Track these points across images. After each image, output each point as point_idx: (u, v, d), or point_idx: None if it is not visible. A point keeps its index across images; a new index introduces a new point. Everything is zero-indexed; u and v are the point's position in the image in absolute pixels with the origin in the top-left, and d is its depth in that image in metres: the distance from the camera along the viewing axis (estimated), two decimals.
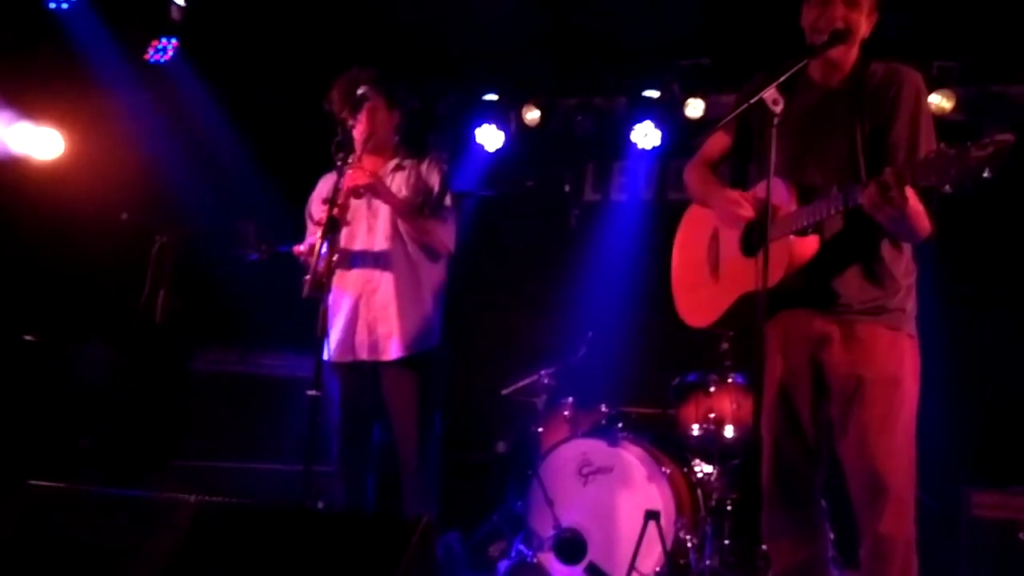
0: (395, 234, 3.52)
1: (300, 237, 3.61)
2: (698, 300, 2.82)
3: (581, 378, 4.77)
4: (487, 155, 5.96)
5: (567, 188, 5.30)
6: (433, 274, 3.62)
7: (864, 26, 2.60)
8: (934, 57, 5.12)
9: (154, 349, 4.04)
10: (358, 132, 3.51)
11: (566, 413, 4.63)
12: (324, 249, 3.03)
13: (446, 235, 3.59)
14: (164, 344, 4.03)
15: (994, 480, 4.07)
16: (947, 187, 2.17)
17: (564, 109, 5.90)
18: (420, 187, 3.59)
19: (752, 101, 2.46)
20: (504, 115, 5.97)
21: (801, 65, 2.54)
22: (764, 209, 2.42)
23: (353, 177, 3.34)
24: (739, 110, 2.54)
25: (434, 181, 3.60)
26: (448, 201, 3.61)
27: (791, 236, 2.47)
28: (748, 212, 2.58)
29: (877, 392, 2.46)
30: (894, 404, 2.47)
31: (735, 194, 2.65)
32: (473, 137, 5.95)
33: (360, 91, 3.39)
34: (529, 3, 5.25)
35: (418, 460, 3.52)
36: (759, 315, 2.37)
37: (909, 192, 2.24)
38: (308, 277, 3.05)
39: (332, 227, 3.06)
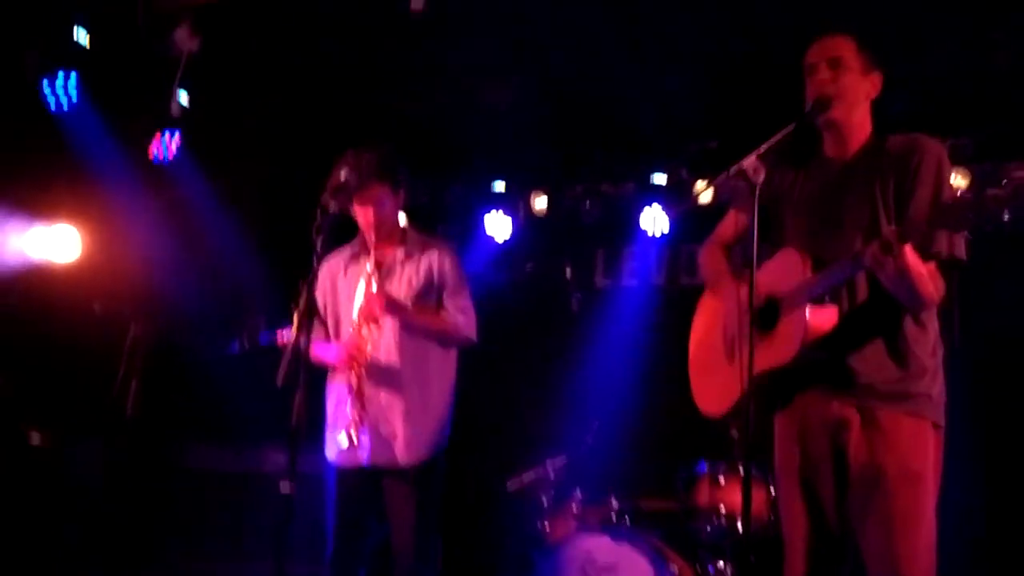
0: (405, 332, 3.42)
1: (281, 326, 3.53)
2: (713, 385, 2.68)
3: (588, 470, 4.58)
4: (496, 244, 5.93)
5: (568, 272, 5.21)
6: (445, 369, 3.51)
7: (863, 87, 2.54)
8: (947, 135, 5.03)
9: (130, 443, 3.94)
10: (364, 221, 3.44)
11: (573, 508, 4.41)
12: (295, 337, 2.93)
13: (466, 326, 3.49)
14: (140, 438, 3.93)
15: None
16: (966, 235, 2.15)
17: (571, 196, 5.90)
18: (430, 277, 3.50)
19: (731, 171, 2.39)
20: (512, 203, 5.97)
21: (786, 132, 2.46)
22: (758, 285, 2.34)
23: (369, 306, 3.30)
24: (718, 180, 2.45)
25: (449, 271, 3.50)
26: (466, 293, 3.53)
27: (807, 306, 2.36)
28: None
29: (899, 488, 2.32)
30: (917, 502, 2.32)
31: (744, 287, 2.56)
32: (482, 226, 5.92)
33: (363, 178, 3.33)
34: (534, 93, 5.29)
35: (417, 566, 3.36)
36: (746, 391, 2.26)
37: (909, 251, 2.16)
38: (282, 365, 2.95)
39: (308, 315, 2.96)
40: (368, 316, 3.32)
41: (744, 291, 2.45)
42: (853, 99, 2.51)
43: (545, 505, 4.48)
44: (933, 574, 2.32)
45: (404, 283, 3.49)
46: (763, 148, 2.40)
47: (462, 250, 5.38)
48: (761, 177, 2.36)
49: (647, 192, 5.68)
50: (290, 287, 3.82)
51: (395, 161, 3.48)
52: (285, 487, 2.87)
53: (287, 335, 3.46)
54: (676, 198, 5.53)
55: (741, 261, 2.80)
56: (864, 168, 2.49)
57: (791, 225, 2.45)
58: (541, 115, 5.49)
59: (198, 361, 4.40)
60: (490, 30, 4.69)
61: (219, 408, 4.65)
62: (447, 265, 3.52)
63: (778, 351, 2.39)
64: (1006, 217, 2.04)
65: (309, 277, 3.01)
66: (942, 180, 2.39)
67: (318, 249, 3.06)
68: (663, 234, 5.60)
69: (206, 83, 4.55)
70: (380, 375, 3.40)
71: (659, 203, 5.59)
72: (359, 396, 3.34)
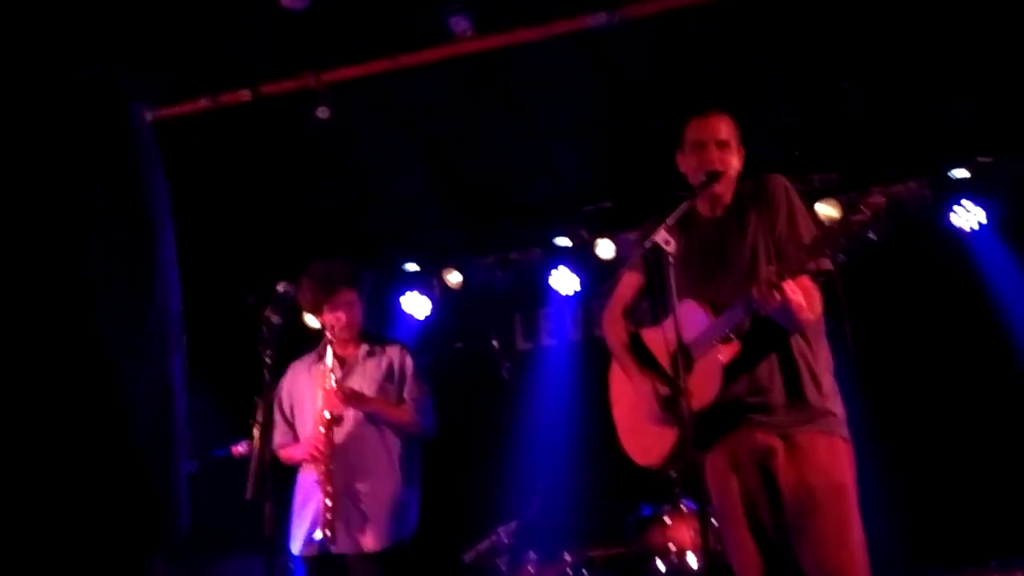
0: (369, 423, 3.58)
1: (233, 439, 3.62)
2: (647, 440, 2.89)
3: (540, 529, 4.73)
4: (417, 323, 6.09)
5: (495, 343, 5.42)
6: (409, 459, 3.67)
7: (736, 163, 2.87)
8: (813, 171, 5.53)
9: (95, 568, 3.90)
10: (334, 325, 3.61)
11: (531, 569, 4.56)
12: (258, 450, 3.05)
13: (425, 421, 3.67)
14: (106, 560, 3.89)
15: (952, 562, 4.11)
16: (841, 257, 2.41)
17: (483, 267, 6.12)
18: (390, 373, 3.69)
19: (647, 246, 2.67)
20: (427, 282, 6.16)
21: (686, 206, 2.78)
22: (675, 337, 2.58)
23: (328, 404, 3.44)
24: (636, 256, 2.74)
25: (407, 366, 3.71)
26: (425, 385, 3.72)
27: (716, 345, 2.63)
28: (663, 391, 2.78)
29: (827, 501, 2.56)
30: (845, 512, 2.57)
31: (649, 376, 2.85)
32: (400, 307, 6.09)
33: (336, 285, 3.57)
34: (436, 179, 5.55)
35: None
36: (687, 438, 2.49)
37: (788, 286, 2.46)
38: (250, 477, 3.05)
39: (267, 427, 3.09)
40: (329, 410, 3.45)
41: (647, 381, 2.81)
42: (733, 174, 2.87)
43: (504, 571, 4.61)
44: (868, 573, 2.57)
45: (367, 378, 3.67)
46: (670, 220, 2.69)
47: (384, 332, 5.53)
48: (672, 247, 2.65)
49: (553, 255, 5.99)
50: (228, 398, 3.92)
51: (358, 269, 3.75)
52: None
53: (243, 447, 3.57)
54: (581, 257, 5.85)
55: (645, 320, 3.07)
56: (733, 220, 2.83)
57: (679, 280, 2.63)
58: (444, 197, 5.76)
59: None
60: (389, 127, 4.95)
61: (187, 524, 4.61)
62: (407, 362, 3.73)
63: (701, 392, 2.61)
64: (872, 237, 2.35)
65: (264, 390, 3.15)
66: (792, 205, 2.75)
67: (268, 362, 3.20)
68: (575, 292, 5.90)
69: None
70: (346, 465, 3.52)
71: (565, 264, 5.91)
72: (326, 491, 3.44)
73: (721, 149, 2.82)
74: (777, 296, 2.46)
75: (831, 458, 2.62)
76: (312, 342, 3.83)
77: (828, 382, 2.72)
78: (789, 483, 2.60)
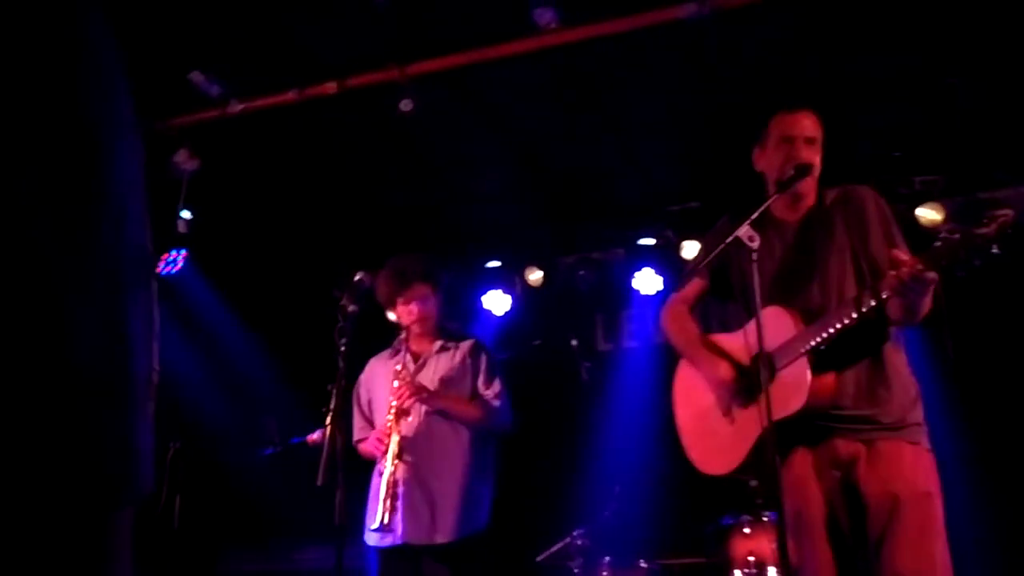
0: (442, 416, 3.58)
1: (312, 427, 3.65)
2: (716, 447, 2.80)
3: (615, 535, 4.64)
4: (496, 319, 6.07)
5: (574, 343, 5.35)
6: (482, 454, 3.65)
7: (818, 165, 2.76)
8: (915, 173, 5.27)
9: (177, 556, 4.00)
10: (406, 318, 3.66)
11: (605, 574, 4.47)
12: (329, 438, 3.06)
13: (502, 416, 3.66)
14: (187, 550, 4.00)
15: None
16: (960, 272, 2.28)
17: (565, 267, 6.07)
18: (463, 368, 3.68)
19: (728, 241, 2.57)
20: (508, 279, 6.13)
21: (771, 201, 2.67)
22: (759, 344, 2.49)
23: (399, 396, 3.46)
24: (717, 251, 2.63)
25: (481, 361, 3.70)
26: (498, 381, 3.69)
27: (809, 375, 2.51)
28: (728, 375, 2.70)
29: (914, 509, 2.46)
30: (931, 521, 2.47)
31: (724, 361, 2.74)
32: (480, 304, 6.08)
33: (409, 278, 3.60)
34: (518, 174, 5.51)
35: None
36: (770, 448, 2.38)
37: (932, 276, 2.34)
38: (322, 465, 3.06)
39: (340, 415, 3.09)
40: (399, 403, 3.45)
41: (723, 364, 2.71)
42: (818, 173, 2.74)
43: (577, 573, 4.53)
44: None
45: (440, 373, 3.68)
46: (754, 215, 2.59)
47: (465, 329, 5.54)
48: (756, 243, 2.55)
49: (637, 255, 5.88)
50: (312, 388, 3.96)
51: (436, 264, 3.77)
52: None
53: (317, 435, 3.59)
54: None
55: (712, 326, 2.96)
56: (819, 222, 2.71)
57: (762, 286, 2.55)
58: (529, 195, 5.71)
59: (235, 468, 4.49)
60: (473, 121, 4.93)
61: (259, 511, 4.71)
62: (480, 356, 3.72)
63: (785, 403, 2.50)
64: (995, 251, 2.23)
65: (337, 378, 3.15)
66: (887, 216, 2.67)
67: (343, 350, 3.21)
68: (657, 293, 5.77)
69: (209, 198, 4.73)
70: (417, 459, 3.53)
71: (650, 265, 5.79)
72: (391, 482, 3.45)
73: (809, 146, 2.72)
74: (926, 285, 2.32)
75: (916, 466, 2.52)
76: (393, 336, 3.83)
77: (914, 390, 2.61)
78: (872, 491, 2.50)
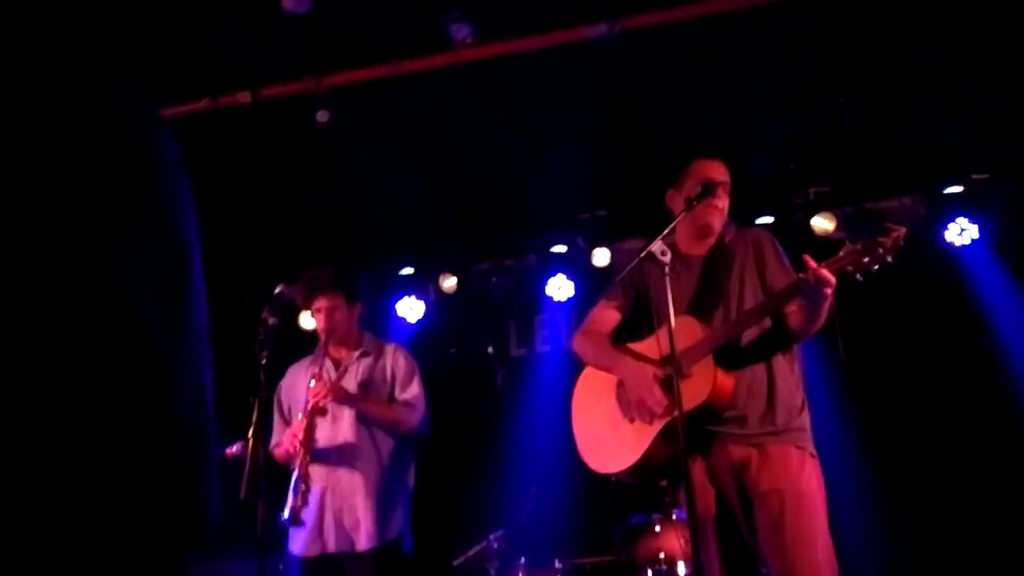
0: (359, 422, 3.61)
1: (228, 440, 3.63)
2: (614, 445, 2.95)
3: (531, 536, 4.75)
4: (410, 326, 6.12)
5: (490, 350, 5.44)
6: (402, 457, 3.70)
7: (726, 208, 3.03)
8: (808, 184, 5.58)
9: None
10: (319, 327, 3.70)
11: (520, 575, 4.58)
12: (251, 450, 3.07)
13: (419, 419, 3.70)
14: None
15: None
16: (859, 276, 2.54)
17: (478, 273, 6.16)
18: (382, 373, 3.72)
19: (642, 254, 2.72)
20: (422, 286, 6.19)
21: (678, 221, 2.86)
22: (671, 346, 2.65)
23: (315, 395, 3.47)
24: (631, 265, 2.78)
25: (400, 366, 3.75)
26: (416, 384, 3.74)
27: (714, 371, 2.71)
28: (660, 373, 2.85)
29: (797, 509, 2.66)
30: (813, 520, 2.67)
31: (644, 362, 2.90)
32: (395, 311, 6.11)
33: (315, 290, 3.63)
34: (432, 183, 5.57)
35: None
36: (682, 441, 2.54)
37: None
38: (244, 478, 3.07)
39: (260, 427, 3.11)
40: (314, 401, 3.48)
41: (643, 363, 2.86)
42: (725, 215, 3.01)
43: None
44: None
45: (358, 378, 3.72)
46: (664, 233, 2.76)
47: (379, 336, 5.58)
48: (668, 257, 2.70)
49: (549, 262, 6.03)
50: (227, 400, 3.94)
51: (347, 274, 3.80)
52: None
53: (236, 448, 3.58)
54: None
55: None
56: (723, 258, 2.96)
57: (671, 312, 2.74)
58: (442, 203, 5.78)
59: None
60: (388, 132, 4.97)
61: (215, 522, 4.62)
62: (400, 361, 3.77)
63: (692, 397, 2.69)
64: (889, 260, 2.54)
65: (259, 391, 3.16)
66: (779, 253, 2.94)
67: (264, 363, 3.22)
68: (569, 299, 5.93)
69: None
70: (336, 464, 3.57)
71: (562, 271, 5.94)
72: (303, 475, 3.47)
73: (725, 193, 2.97)
74: (828, 288, 2.56)
75: (801, 469, 2.73)
76: (312, 345, 3.86)
77: (800, 398, 2.84)
78: (762, 491, 2.70)
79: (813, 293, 2.58)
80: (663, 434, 2.79)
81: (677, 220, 2.84)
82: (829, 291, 2.58)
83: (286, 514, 3.39)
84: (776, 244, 2.98)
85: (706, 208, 2.89)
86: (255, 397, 3.13)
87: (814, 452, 2.80)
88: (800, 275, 2.62)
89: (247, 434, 3.12)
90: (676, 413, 2.58)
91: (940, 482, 4.97)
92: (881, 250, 2.49)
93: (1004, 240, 5.22)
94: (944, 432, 5.09)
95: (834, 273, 2.55)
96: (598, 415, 3.01)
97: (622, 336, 3.11)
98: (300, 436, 3.45)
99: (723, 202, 2.95)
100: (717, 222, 2.96)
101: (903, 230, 2.52)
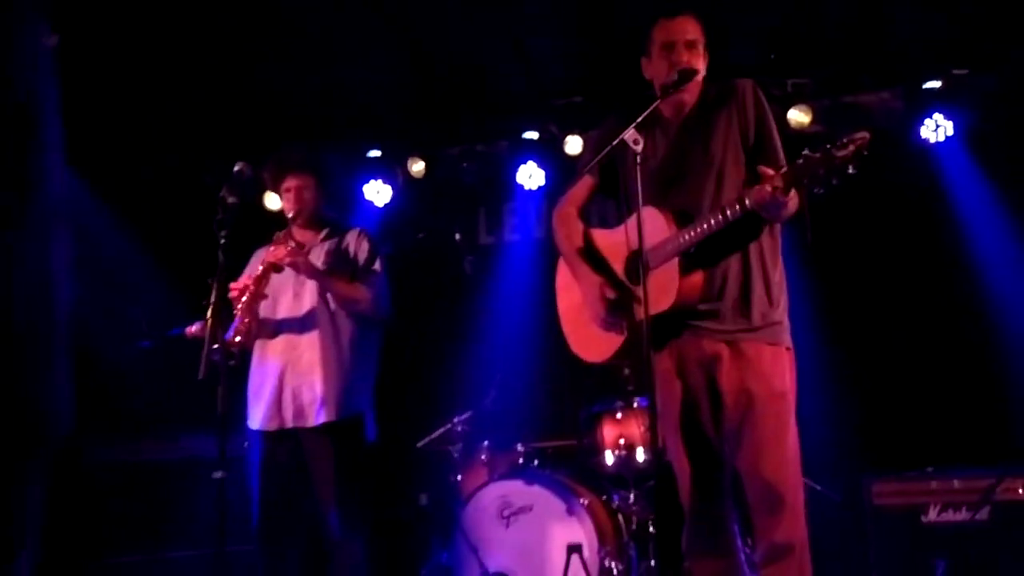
0: (321, 301, 3.62)
1: (190, 320, 3.60)
2: (591, 336, 2.93)
3: (495, 421, 4.83)
4: (377, 210, 6.02)
5: (458, 236, 5.39)
6: (363, 339, 3.70)
7: (702, 68, 2.85)
8: (788, 75, 5.46)
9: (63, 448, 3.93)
10: (287, 207, 3.68)
11: (483, 457, 4.67)
12: (210, 330, 3.03)
13: (377, 300, 3.67)
14: (71, 441, 3.93)
15: (891, 468, 4.26)
16: (817, 189, 2.41)
17: (448, 158, 6.03)
18: (344, 255, 3.69)
19: (614, 144, 2.63)
20: (390, 170, 6.06)
21: (655, 106, 2.74)
22: (639, 240, 2.59)
23: (274, 253, 3.47)
24: (602, 154, 2.69)
25: (362, 248, 3.73)
26: (378, 266, 3.72)
27: (678, 275, 2.65)
28: (610, 294, 2.80)
29: (767, 407, 2.64)
30: (782, 418, 2.67)
31: (598, 279, 2.85)
32: (362, 194, 6.01)
33: (284, 170, 3.57)
34: (402, 64, 5.37)
35: (343, 529, 3.52)
36: (645, 342, 2.51)
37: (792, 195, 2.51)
38: (203, 358, 3.04)
39: (219, 308, 3.07)
40: (273, 258, 3.47)
41: (595, 283, 2.82)
42: (699, 78, 2.82)
43: (456, 458, 4.72)
44: (801, 482, 2.70)
45: (320, 258, 3.69)
46: (639, 119, 2.65)
47: (346, 218, 5.50)
48: (640, 146, 2.61)
49: (520, 149, 5.90)
50: (187, 280, 3.88)
51: (316, 154, 3.75)
52: (217, 473, 2.99)
53: (196, 328, 3.55)
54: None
55: (595, 222, 3.07)
56: (699, 123, 2.80)
57: (644, 183, 2.60)
58: (411, 84, 5.60)
59: (113, 361, 4.39)
60: (358, 8, 4.75)
61: (140, 402, 4.65)
62: (363, 244, 3.74)
63: (656, 301, 2.61)
64: (851, 171, 2.37)
65: (218, 271, 3.10)
66: (762, 107, 2.77)
67: (223, 243, 3.15)
68: (539, 187, 5.84)
69: (71, 78, 4.43)
70: (299, 342, 3.60)
71: (533, 159, 5.83)
72: (281, 365, 3.54)
73: (691, 50, 2.79)
74: (785, 203, 2.49)
75: (774, 366, 2.69)
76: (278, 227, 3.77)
77: (777, 293, 2.76)
78: (731, 388, 2.67)
79: (768, 208, 2.53)
80: (630, 339, 2.78)
81: (652, 107, 2.71)
82: (788, 207, 2.53)
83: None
84: (760, 100, 2.79)
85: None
86: (213, 278, 3.07)
87: (790, 345, 2.75)
88: (756, 187, 2.52)
89: (206, 314, 3.06)
90: (640, 318, 2.52)
91: (900, 381, 5.07)
92: (840, 161, 2.34)
93: (978, 137, 5.18)
94: (907, 326, 5.16)
95: (787, 187, 2.46)
96: (577, 303, 2.97)
97: (598, 214, 3.03)
98: (251, 281, 3.45)
99: (689, 59, 2.76)
100: (689, 97, 2.82)
101: (866, 136, 2.34)
